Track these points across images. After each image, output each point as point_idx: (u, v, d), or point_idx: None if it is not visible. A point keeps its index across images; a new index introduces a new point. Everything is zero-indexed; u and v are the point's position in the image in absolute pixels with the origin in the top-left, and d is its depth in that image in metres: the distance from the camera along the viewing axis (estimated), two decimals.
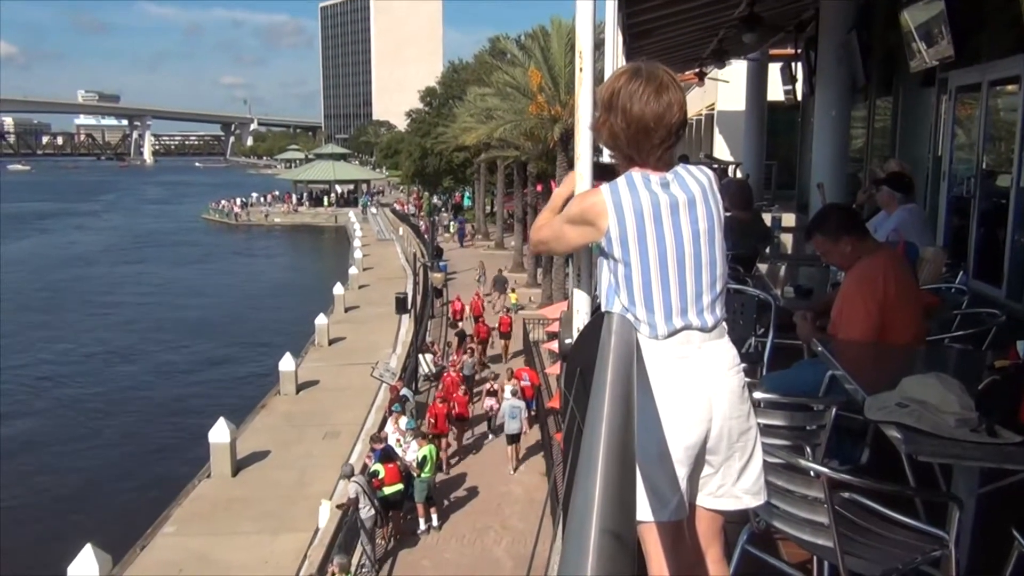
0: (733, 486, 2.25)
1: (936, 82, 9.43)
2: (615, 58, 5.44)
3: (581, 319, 3.01)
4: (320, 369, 24.36)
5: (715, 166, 16.19)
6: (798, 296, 5.35)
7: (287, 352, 22.93)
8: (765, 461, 2.33)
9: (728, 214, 3.33)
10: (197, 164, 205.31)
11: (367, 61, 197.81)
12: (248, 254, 57.86)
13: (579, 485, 1.09)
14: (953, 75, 8.76)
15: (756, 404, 2.76)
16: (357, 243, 47.30)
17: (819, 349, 3.72)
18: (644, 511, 2.08)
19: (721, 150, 21.96)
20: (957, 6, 7.78)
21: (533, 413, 18.17)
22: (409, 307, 29.22)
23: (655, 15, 8.94)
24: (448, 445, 17.16)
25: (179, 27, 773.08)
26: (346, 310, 32.52)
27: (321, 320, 27.92)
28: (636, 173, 2.18)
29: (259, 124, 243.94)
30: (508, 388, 17.84)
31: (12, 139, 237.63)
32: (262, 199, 79.54)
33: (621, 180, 2.19)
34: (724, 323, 2.25)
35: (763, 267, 7.10)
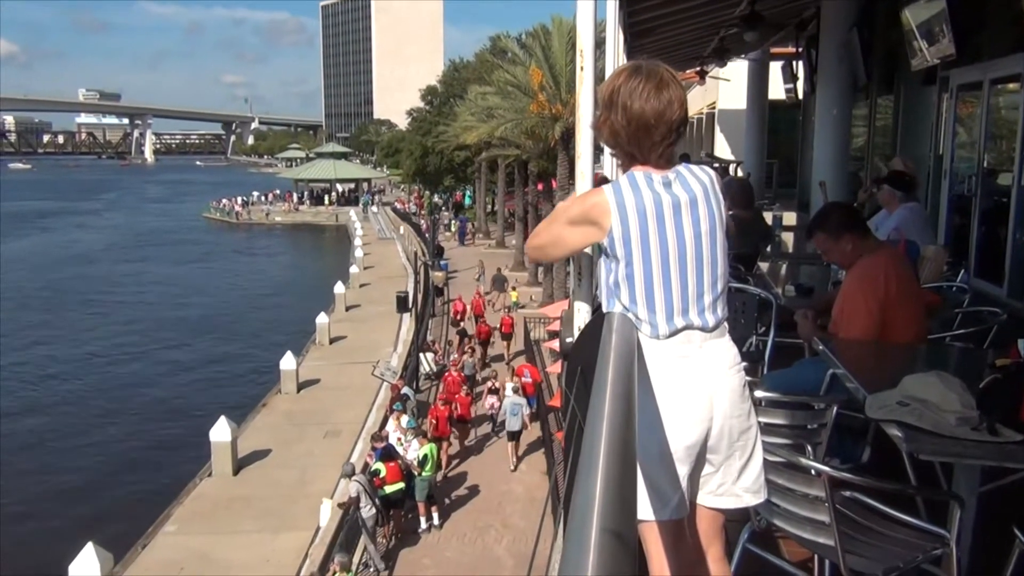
0: (734, 484, 2.25)
1: (937, 80, 9.43)
2: (616, 56, 5.45)
3: (582, 318, 3.01)
4: (321, 368, 24.36)
5: (716, 165, 16.21)
6: (799, 295, 5.35)
7: (288, 351, 22.93)
8: (766, 460, 2.33)
9: (729, 213, 3.32)
10: (198, 163, 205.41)
11: (368, 60, 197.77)
12: (249, 253, 57.87)
13: (580, 484, 1.09)
14: (954, 73, 8.76)
15: (757, 403, 2.76)
16: (358, 242, 47.31)
17: (820, 348, 3.72)
18: (645, 510, 2.08)
19: (722, 149, 21.96)
20: (958, 4, 7.78)
21: (534, 410, 18.19)
22: (410, 306, 29.24)
23: (656, 13, 8.94)
24: (449, 445, 17.16)
25: (180, 26, 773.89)
26: (347, 309, 32.52)
27: (322, 319, 27.92)
28: (638, 172, 2.18)
29: (260, 123, 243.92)
30: (509, 385, 17.89)
31: (13, 138, 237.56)
32: (263, 198, 79.52)
33: (623, 179, 2.19)
34: (725, 322, 2.25)
35: (764, 266, 7.11)
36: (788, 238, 10.78)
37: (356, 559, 13.02)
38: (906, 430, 2.60)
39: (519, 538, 13.58)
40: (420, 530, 14.44)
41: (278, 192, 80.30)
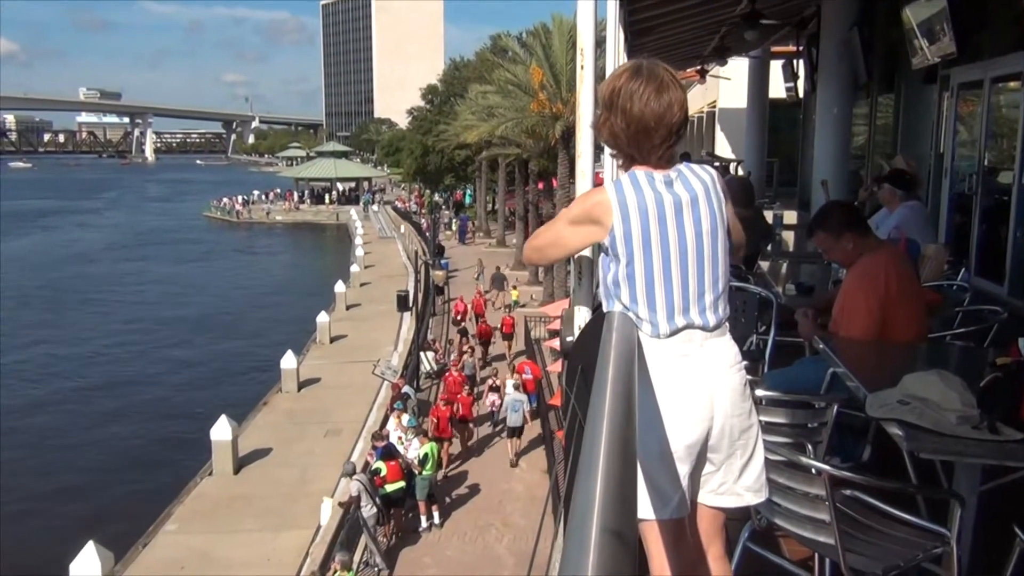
0: (735, 484, 2.25)
1: (938, 79, 9.43)
2: (616, 55, 5.44)
3: (582, 317, 3.01)
4: (322, 367, 24.37)
5: (717, 163, 16.20)
6: (799, 293, 5.36)
7: (289, 350, 22.94)
8: (767, 458, 2.33)
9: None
10: (198, 162, 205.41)
11: (368, 59, 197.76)
12: (249, 252, 57.87)
13: (580, 483, 1.09)
14: (955, 72, 8.75)
15: (758, 401, 2.75)
16: (359, 241, 47.30)
17: (820, 346, 3.71)
18: (646, 509, 2.08)
19: (723, 147, 21.95)
20: (959, 3, 7.78)
21: (534, 407, 18.25)
22: (411, 305, 29.25)
23: (656, 12, 8.93)
24: (450, 444, 17.16)
25: (180, 25, 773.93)
26: (347, 308, 32.52)
27: (323, 318, 27.92)
28: (640, 171, 2.18)
29: (260, 122, 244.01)
30: (510, 382, 17.97)
31: (14, 137, 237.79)
32: (263, 197, 79.50)
33: (625, 178, 2.19)
34: (726, 321, 2.24)
35: (765, 264, 7.10)
36: (789, 237, 10.78)
37: (357, 558, 13.03)
38: (906, 429, 2.60)
39: (520, 537, 13.59)
40: (421, 529, 14.45)
41: (279, 191, 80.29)
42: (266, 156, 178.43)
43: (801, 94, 16.49)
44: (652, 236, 2.13)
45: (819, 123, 11.47)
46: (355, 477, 13.74)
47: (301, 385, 22.50)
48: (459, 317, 27.23)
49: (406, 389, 19.08)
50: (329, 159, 77.88)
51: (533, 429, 17.96)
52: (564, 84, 29.53)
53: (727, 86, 20.15)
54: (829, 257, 4.45)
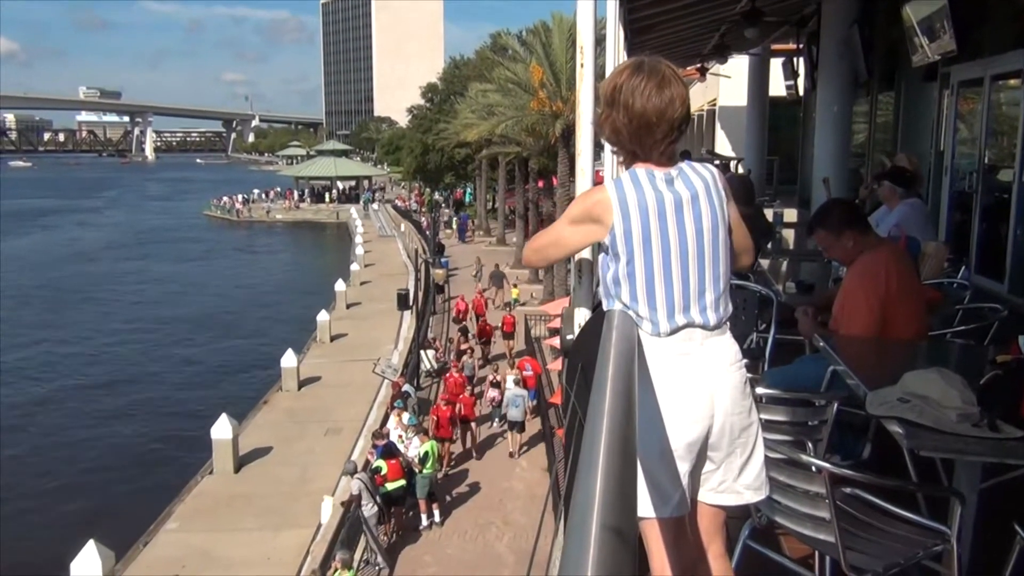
0: (735, 482, 2.25)
1: (938, 77, 9.42)
2: (616, 54, 5.44)
3: (582, 315, 3.01)
4: (322, 365, 24.38)
5: (717, 161, 16.20)
6: (800, 292, 5.35)
7: (289, 348, 22.95)
8: (767, 456, 2.33)
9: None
10: (199, 161, 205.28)
11: (368, 57, 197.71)
12: (250, 250, 57.89)
13: (580, 481, 1.09)
14: (955, 70, 8.75)
15: (758, 400, 2.75)
16: (359, 239, 47.30)
17: (821, 344, 3.71)
18: (646, 507, 2.08)
19: (723, 145, 21.95)
20: (959, 0, 7.76)
21: (535, 403, 18.31)
22: (411, 303, 29.25)
23: (656, 10, 8.93)
24: (452, 444, 17.17)
25: (180, 24, 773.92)
26: (348, 306, 32.53)
27: (323, 316, 27.93)
28: (640, 169, 2.17)
29: (260, 120, 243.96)
30: (511, 378, 18.06)
31: (14, 136, 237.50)
32: (264, 195, 79.50)
33: (626, 176, 2.19)
34: (728, 320, 2.24)
35: (765, 263, 7.09)
36: (789, 235, 10.75)
37: (357, 556, 13.04)
38: (907, 426, 2.60)
39: (520, 535, 13.59)
40: (421, 527, 14.46)
41: (279, 190, 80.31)
42: (266, 155, 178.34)
43: (801, 92, 16.48)
44: (652, 234, 2.12)
45: (819, 121, 11.45)
46: (356, 476, 13.75)
47: (301, 384, 22.51)
48: (460, 316, 27.24)
49: (406, 388, 19.09)
50: (329, 158, 77.85)
51: (533, 426, 18.01)
52: (564, 82, 29.52)
53: (727, 84, 20.14)
54: (829, 255, 4.45)
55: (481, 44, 62.16)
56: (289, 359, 22.50)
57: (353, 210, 64.09)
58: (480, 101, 37.55)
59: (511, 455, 17.24)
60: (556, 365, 17.96)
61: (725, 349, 2.20)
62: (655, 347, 2.15)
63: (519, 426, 17.30)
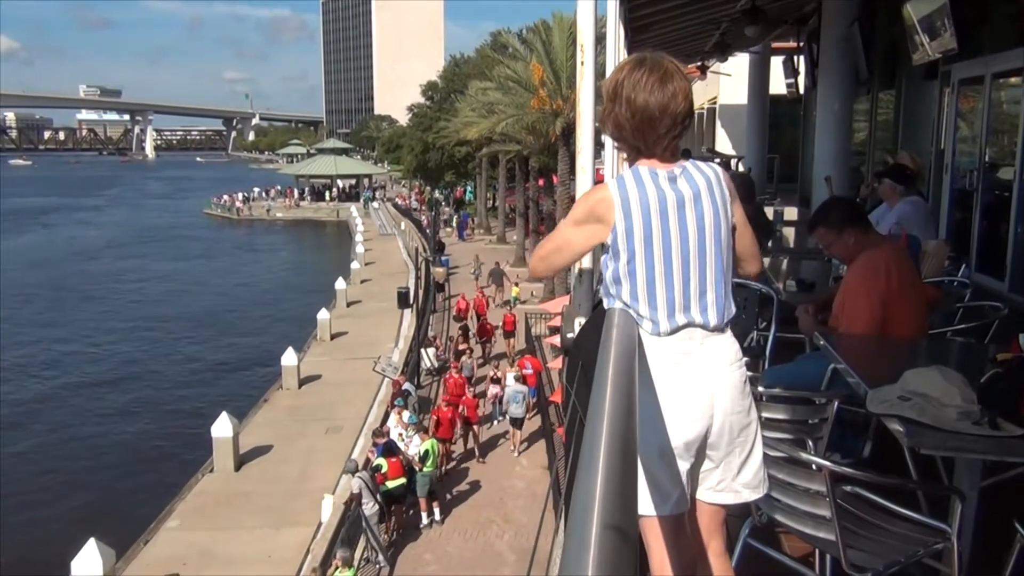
0: (733, 480, 2.25)
1: (939, 75, 9.41)
2: (616, 52, 5.44)
3: (583, 314, 3.01)
4: (322, 363, 24.39)
5: (717, 159, 16.19)
6: (800, 290, 5.34)
7: (289, 347, 22.97)
8: (767, 455, 2.33)
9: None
10: (199, 159, 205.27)
11: (368, 56, 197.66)
12: (250, 249, 57.91)
13: (581, 479, 1.09)
14: (956, 68, 8.74)
15: (758, 398, 2.75)
16: (359, 238, 47.31)
17: (821, 343, 3.71)
18: (646, 505, 2.08)
19: (723, 143, 21.94)
20: None
21: (535, 400, 18.35)
22: (411, 302, 29.24)
23: (657, 8, 8.92)
24: (454, 443, 17.17)
25: (181, 22, 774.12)
26: (348, 305, 32.54)
27: (323, 315, 27.95)
28: (643, 167, 2.17)
29: (261, 119, 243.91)
30: (511, 375, 18.10)
31: (14, 134, 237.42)
32: (264, 194, 79.49)
33: (628, 174, 2.18)
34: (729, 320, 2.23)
35: (765, 261, 7.08)
36: (789, 233, 10.75)
37: (358, 555, 13.05)
38: (907, 425, 2.60)
39: (520, 533, 13.60)
40: (421, 526, 14.47)
41: (279, 188, 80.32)
42: (266, 153, 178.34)
43: (802, 90, 16.47)
44: (654, 233, 2.12)
45: (820, 119, 11.44)
46: (357, 474, 13.76)
47: (302, 382, 22.53)
48: (461, 315, 27.21)
49: (407, 386, 19.10)
50: (329, 156, 77.87)
51: (534, 423, 18.04)
52: (564, 80, 29.50)
53: (728, 82, 20.13)
54: (830, 253, 4.44)
55: (481, 42, 62.28)
56: (289, 357, 22.52)
57: (353, 208, 64.11)
58: (480, 99, 37.53)
59: (516, 453, 17.28)
60: (556, 363, 17.97)
61: (725, 348, 2.20)
62: (655, 346, 2.15)
63: (519, 423, 17.40)
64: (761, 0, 10.38)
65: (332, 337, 27.46)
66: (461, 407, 17.33)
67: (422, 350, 22.67)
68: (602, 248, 2.24)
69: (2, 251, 50.03)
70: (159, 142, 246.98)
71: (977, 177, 8.30)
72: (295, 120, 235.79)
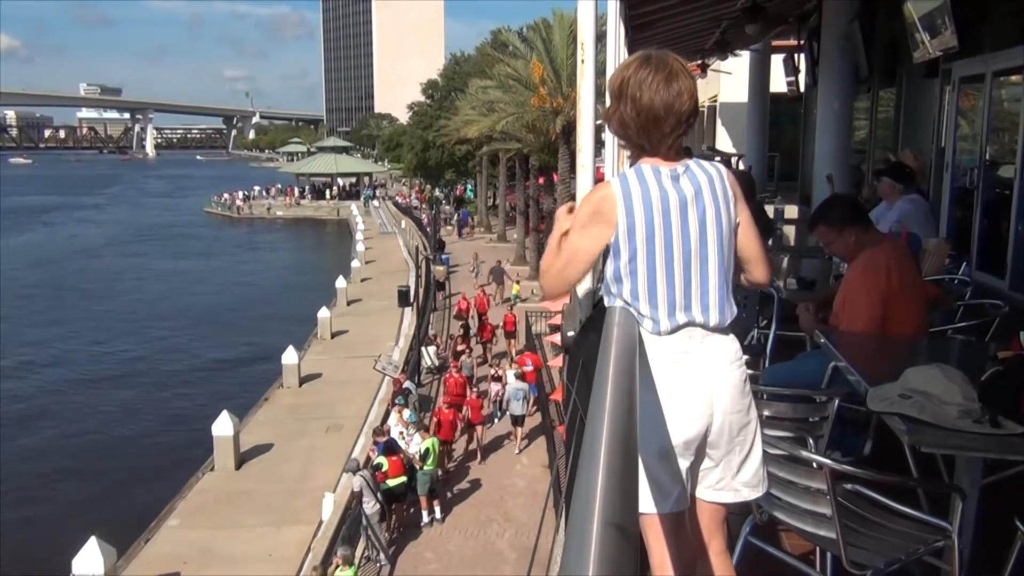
0: (733, 479, 2.25)
1: (940, 73, 9.40)
2: (617, 50, 5.44)
3: (583, 312, 3.01)
4: (323, 362, 24.40)
5: (718, 158, 16.18)
6: (801, 288, 5.34)
7: (290, 345, 22.97)
8: (768, 453, 2.33)
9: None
10: (199, 157, 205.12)
11: (369, 54, 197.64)
12: (250, 247, 57.90)
13: (582, 478, 1.09)
14: (957, 65, 8.73)
15: (759, 396, 2.75)
16: (359, 236, 47.30)
17: (822, 341, 3.71)
18: (646, 503, 2.08)
19: (724, 142, 21.92)
20: None
21: (536, 397, 18.36)
22: (412, 300, 29.23)
23: (657, 6, 8.92)
24: (455, 442, 17.15)
25: (181, 20, 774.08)
26: (348, 303, 32.54)
27: (324, 313, 27.96)
28: (646, 166, 2.17)
29: (261, 117, 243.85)
30: (512, 372, 18.12)
31: (14, 132, 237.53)
32: (264, 192, 79.52)
33: (631, 172, 2.18)
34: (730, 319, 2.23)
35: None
36: (790, 231, 10.76)
37: (358, 553, 13.05)
38: (908, 422, 2.60)
39: (521, 531, 13.60)
40: (422, 524, 14.47)
41: (279, 186, 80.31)
42: (267, 152, 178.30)
43: (802, 88, 16.47)
44: (656, 232, 2.11)
45: (820, 117, 11.44)
46: (358, 473, 13.76)
47: (302, 380, 22.53)
48: (464, 315, 27.15)
49: (407, 384, 19.10)
50: (330, 154, 77.85)
51: (534, 419, 18.07)
52: (565, 79, 29.49)
53: (728, 80, 20.11)
54: (831, 251, 4.44)
55: (482, 40, 62.18)
56: (290, 356, 22.52)
57: (354, 207, 64.09)
58: (481, 97, 37.52)
59: (517, 452, 17.29)
60: (557, 362, 17.94)
61: (725, 347, 2.20)
62: (655, 345, 2.15)
63: (520, 420, 17.45)
64: None
65: (333, 335, 27.47)
66: (465, 408, 17.32)
67: (422, 348, 22.67)
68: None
69: (2, 249, 50.06)
70: (159, 140, 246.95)
71: (978, 175, 8.30)
72: (295, 118, 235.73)
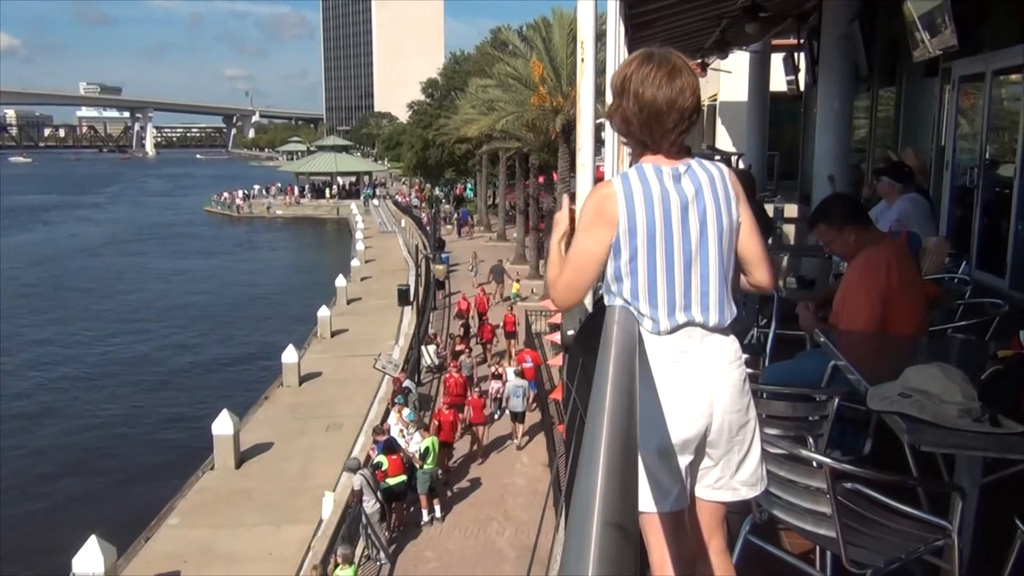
0: (732, 478, 2.25)
1: (939, 72, 9.40)
2: (616, 49, 5.44)
3: (583, 311, 3.01)
4: (323, 361, 24.41)
5: (717, 156, 16.17)
6: (800, 287, 5.34)
7: (290, 344, 22.98)
8: (768, 451, 2.33)
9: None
10: (199, 156, 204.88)
11: (369, 53, 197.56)
12: (250, 246, 57.88)
13: (582, 477, 1.09)
14: (957, 64, 8.73)
15: (759, 394, 2.75)
16: (359, 235, 47.31)
17: (821, 339, 3.71)
18: (646, 502, 2.09)
19: (723, 141, 21.92)
20: None
21: (535, 393, 18.38)
22: (411, 299, 29.23)
23: (657, 5, 8.92)
24: (456, 442, 17.14)
25: (181, 19, 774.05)
26: (348, 302, 32.55)
27: (323, 312, 27.97)
28: (647, 164, 2.16)
29: (261, 116, 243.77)
30: (511, 370, 18.16)
31: (14, 131, 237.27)
32: (264, 191, 79.43)
33: (632, 171, 2.18)
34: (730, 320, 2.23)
35: None
36: (789, 230, 10.76)
37: (358, 552, 13.05)
38: (908, 421, 2.60)
39: (521, 530, 13.60)
40: (422, 523, 14.46)
41: (279, 185, 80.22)
42: (266, 150, 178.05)
43: (802, 87, 16.47)
44: (657, 232, 2.11)
45: (820, 116, 11.44)
46: (358, 472, 13.77)
47: (302, 379, 22.54)
48: (465, 315, 27.13)
49: (407, 383, 19.10)
50: (329, 153, 77.81)
51: (534, 416, 18.10)
52: (565, 78, 29.47)
53: (728, 79, 20.10)
54: (830, 250, 4.44)
55: (481, 40, 62.14)
56: (290, 355, 22.53)
57: (353, 206, 64.08)
58: (480, 97, 37.50)
59: (518, 448, 17.38)
60: (556, 361, 17.92)
61: (725, 347, 2.20)
62: (655, 345, 2.15)
63: (520, 416, 17.49)
64: None
65: (332, 334, 27.48)
66: (466, 408, 17.31)
67: (422, 347, 22.67)
68: None
69: (2, 248, 50.05)
70: (159, 139, 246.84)
71: (978, 174, 8.30)
72: (295, 117, 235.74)
